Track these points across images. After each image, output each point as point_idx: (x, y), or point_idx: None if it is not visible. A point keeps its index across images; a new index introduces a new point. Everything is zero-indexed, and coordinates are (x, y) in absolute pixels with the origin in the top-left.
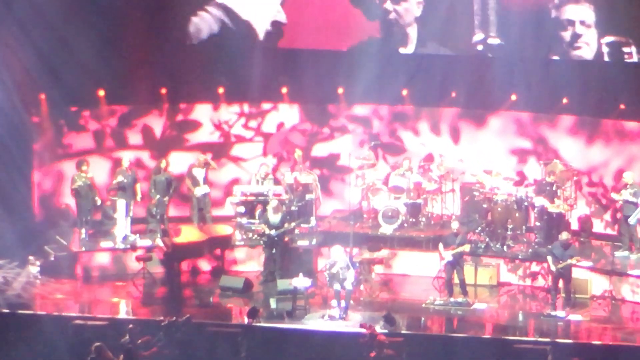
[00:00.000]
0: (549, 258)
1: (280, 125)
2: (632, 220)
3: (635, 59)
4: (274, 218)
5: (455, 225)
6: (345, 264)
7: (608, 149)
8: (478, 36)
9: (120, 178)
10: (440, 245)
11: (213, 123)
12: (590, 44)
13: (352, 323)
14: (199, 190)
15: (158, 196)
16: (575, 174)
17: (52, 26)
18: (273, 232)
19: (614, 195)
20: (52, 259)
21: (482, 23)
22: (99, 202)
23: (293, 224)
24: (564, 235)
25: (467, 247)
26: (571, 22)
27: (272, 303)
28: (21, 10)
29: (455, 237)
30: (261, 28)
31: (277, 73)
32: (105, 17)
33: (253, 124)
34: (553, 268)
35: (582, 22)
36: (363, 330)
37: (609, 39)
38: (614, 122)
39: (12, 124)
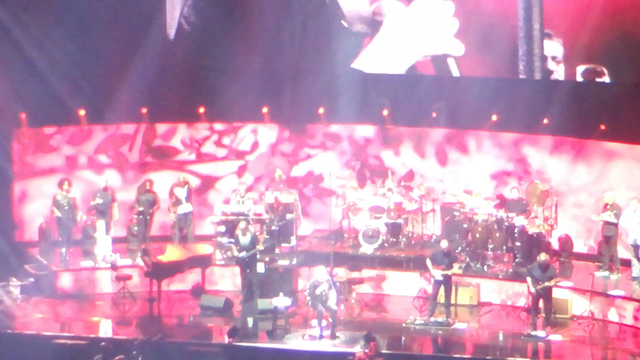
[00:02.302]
0: (528, 279)
1: (259, 146)
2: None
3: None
4: (244, 240)
5: (444, 244)
6: (328, 284)
7: (590, 170)
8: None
9: (98, 200)
10: (429, 262)
11: (192, 142)
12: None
13: (334, 343)
14: (181, 209)
15: (141, 207)
16: (556, 194)
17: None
18: (243, 254)
19: (593, 217)
20: (32, 278)
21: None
22: (84, 218)
23: (260, 247)
24: (542, 257)
25: (459, 270)
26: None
27: (249, 322)
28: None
29: (444, 256)
30: None
31: (259, 93)
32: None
33: (232, 142)
34: (532, 289)
35: (554, 58)
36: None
37: (581, 67)
38: (595, 143)
39: None
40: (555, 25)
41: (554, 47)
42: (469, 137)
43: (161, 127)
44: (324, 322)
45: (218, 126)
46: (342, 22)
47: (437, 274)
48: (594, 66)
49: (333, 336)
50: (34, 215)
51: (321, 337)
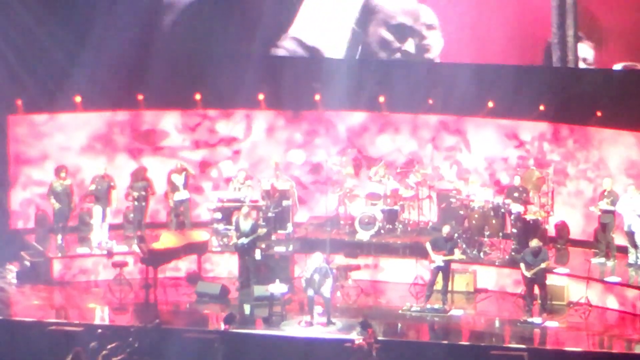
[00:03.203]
0: (522, 265)
1: (254, 132)
2: None
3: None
4: (244, 225)
5: (446, 229)
6: (324, 271)
7: (586, 156)
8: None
9: (93, 187)
10: (428, 246)
11: (186, 129)
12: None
13: (330, 329)
14: (178, 196)
15: (136, 193)
16: (552, 181)
17: (27, 30)
18: (243, 239)
19: (592, 209)
20: (28, 264)
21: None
22: (76, 200)
23: (263, 231)
24: (534, 242)
25: (461, 256)
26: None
27: (247, 309)
28: None
29: (445, 241)
30: None
31: (255, 80)
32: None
33: (229, 130)
34: (527, 274)
35: (584, 60)
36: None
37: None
38: (592, 130)
39: None
40: (586, 28)
41: (584, 50)
42: (465, 123)
43: (157, 114)
44: (319, 309)
45: (213, 113)
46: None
47: (438, 259)
48: (631, 64)
49: (328, 323)
50: (30, 202)
51: (312, 323)
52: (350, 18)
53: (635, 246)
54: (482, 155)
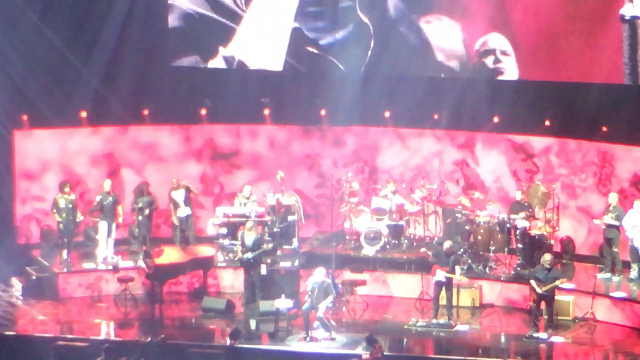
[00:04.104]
0: (532, 282)
1: (261, 147)
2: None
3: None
4: (248, 239)
5: (447, 244)
6: (325, 286)
7: (592, 172)
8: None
9: (98, 198)
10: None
11: (191, 144)
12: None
13: (335, 345)
14: (181, 212)
15: (137, 206)
16: (557, 196)
17: (32, 46)
18: (248, 254)
19: (595, 222)
20: (34, 279)
21: None
22: (81, 218)
23: (268, 246)
24: (547, 257)
25: (461, 277)
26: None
27: (252, 324)
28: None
29: (447, 256)
30: None
31: (260, 95)
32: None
33: (235, 145)
34: (539, 291)
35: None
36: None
37: None
38: (597, 144)
39: None
40: None
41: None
42: (471, 138)
43: (163, 129)
44: (316, 324)
45: (218, 128)
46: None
47: (441, 275)
48: None
49: (330, 338)
50: (36, 217)
51: (306, 338)
52: None
53: (638, 261)
54: (488, 170)
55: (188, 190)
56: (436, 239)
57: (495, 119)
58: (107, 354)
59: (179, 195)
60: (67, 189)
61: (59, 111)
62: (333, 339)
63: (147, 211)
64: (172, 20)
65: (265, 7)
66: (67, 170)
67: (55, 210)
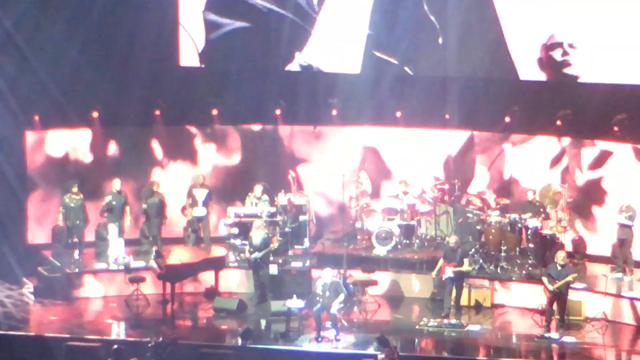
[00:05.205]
0: (545, 279)
1: (274, 147)
2: None
3: None
4: (256, 239)
5: (452, 239)
6: (334, 287)
7: (602, 171)
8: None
9: (108, 199)
10: (441, 260)
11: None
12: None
13: (344, 345)
14: (196, 212)
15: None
16: (570, 196)
17: (45, 46)
18: (257, 254)
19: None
20: (46, 280)
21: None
22: (90, 219)
23: (274, 246)
24: (561, 254)
25: (468, 267)
26: None
27: (263, 324)
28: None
29: (453, 252)
30: None
31: (272, 95)
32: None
33: (246, 144)
34: (551, 288)
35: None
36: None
37: None
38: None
39: (5, 144)
40: None
41: None
42: (482, 138)
43: (173, 129)
44: (328, 323)
45: (231, 128)
46: None
47: (449, 271)
48: None
49: (336, 339)
50: (47, 217)
51: (317, 339)
52: None
53: None
54: (499, 170)
55: (211, 192)
56: (447, 239)
57: (507, 119)
58: (118, 354)
59: (200, 194)
60: (74, 189)
61: (72, 112)
62: (338, 340)
63: (158, 212)
64: None
65: (337, 11)
66: (78, 170)
67: (63, 210)
